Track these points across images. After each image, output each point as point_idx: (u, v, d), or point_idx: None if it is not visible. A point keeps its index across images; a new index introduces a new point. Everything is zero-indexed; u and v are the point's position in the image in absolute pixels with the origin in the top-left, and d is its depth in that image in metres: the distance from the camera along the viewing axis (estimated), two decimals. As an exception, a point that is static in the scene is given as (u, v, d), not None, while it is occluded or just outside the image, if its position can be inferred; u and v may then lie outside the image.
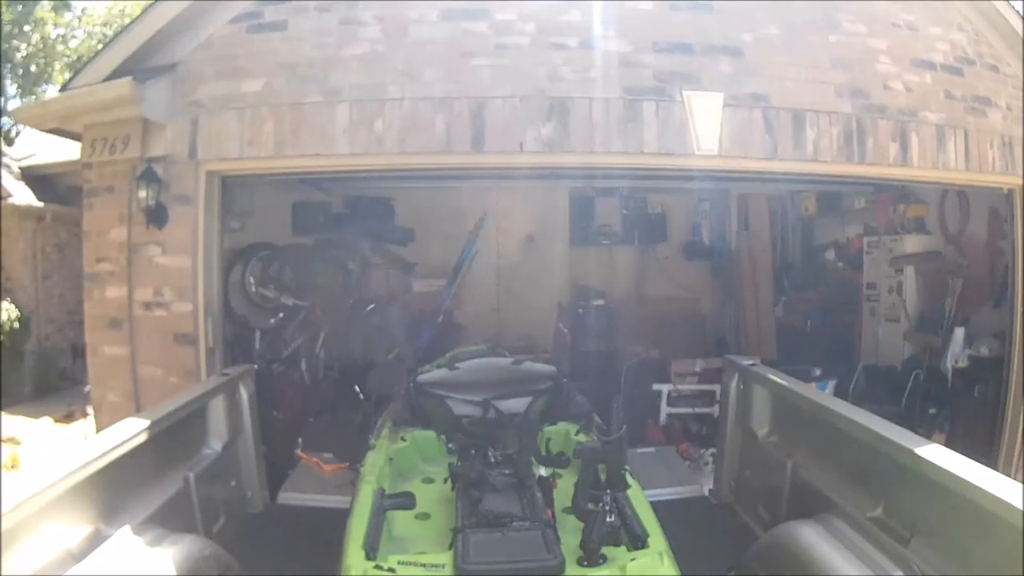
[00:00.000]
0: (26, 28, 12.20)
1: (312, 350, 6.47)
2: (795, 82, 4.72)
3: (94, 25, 13.63)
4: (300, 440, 4.69)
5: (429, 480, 3.10)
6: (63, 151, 8.55)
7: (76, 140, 5.24)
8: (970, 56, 5.17)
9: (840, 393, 5.93)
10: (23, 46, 12.29)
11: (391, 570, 2.09)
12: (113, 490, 2.41)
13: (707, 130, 4.54)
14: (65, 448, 6.85)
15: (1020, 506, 1.76)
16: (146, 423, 2.67)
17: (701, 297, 8.59)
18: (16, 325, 9.31)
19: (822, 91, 4.75)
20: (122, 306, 4.79)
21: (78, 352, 8.89)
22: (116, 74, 4.66)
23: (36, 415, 8.23)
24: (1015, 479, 1.97)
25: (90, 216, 4.96)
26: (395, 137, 4.49)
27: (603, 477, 2.39)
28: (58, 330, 10.22)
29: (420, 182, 7.25)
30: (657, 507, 2.55)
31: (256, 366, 4.45)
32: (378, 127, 4.50)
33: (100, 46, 10.12)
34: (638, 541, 2.27)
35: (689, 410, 5.70)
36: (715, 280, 8.61)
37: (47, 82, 12.96)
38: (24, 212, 9.58)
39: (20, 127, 11.60)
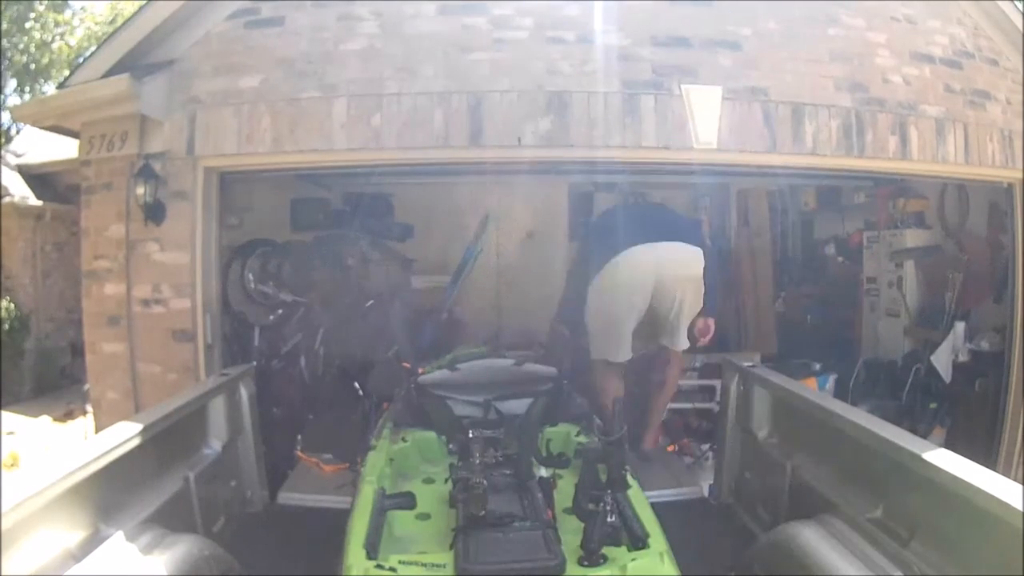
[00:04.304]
0: (27, 25, 12.16)
1: (311, 347, 6.46)
2: (794, 76, 4.71)
3: (95, 23, 13.59)
4: (300, 440, 4.69)
5: (430, 480, 3.10)
6: (61, 148, 8.52)
7: (74, 137, 5.22)
8: (969, 50, 5.15)
9: (841, 388, 5.94)
10: (22, 43, 12.25)
11: (392, 570, 2.09)
12: (113, 490, 2.41)
13: (706, 124, 4.54)
14: (64, 447, 6.86)
15: (1020, 506, 1.76)
16: (146, 423, 2.67)
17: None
18: (16, 324, 9.31)
19: (821, 84, 4.75)
20: (120, 303, 4.78)
21: (77, 350, 8.88)
22: (113, 71, 4.65)
23: (35, 414, 8.24)
24: (1015, 479, 1.97)
25: (88, 213, 4.95)
26: (393, 132, 4.49)
27: (604, 477, 2.39)
28: (57, 328, 10.20)
29: (419, 178, 7.23)
30: (657, 508, 2.55)
31: (255, 363, 4.45)
32: (376, 122, 4.49)
33: (99, 43, 10.08)
34: (639, 541, 2.26)
35: (689, 405, 5.70)
36: (714, 275, 8.57)
37: (46, 79, 12.93)
38: (23, 210, 9.57)
39: (19, 125, 11.57)
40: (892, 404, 5.85)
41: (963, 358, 5.87)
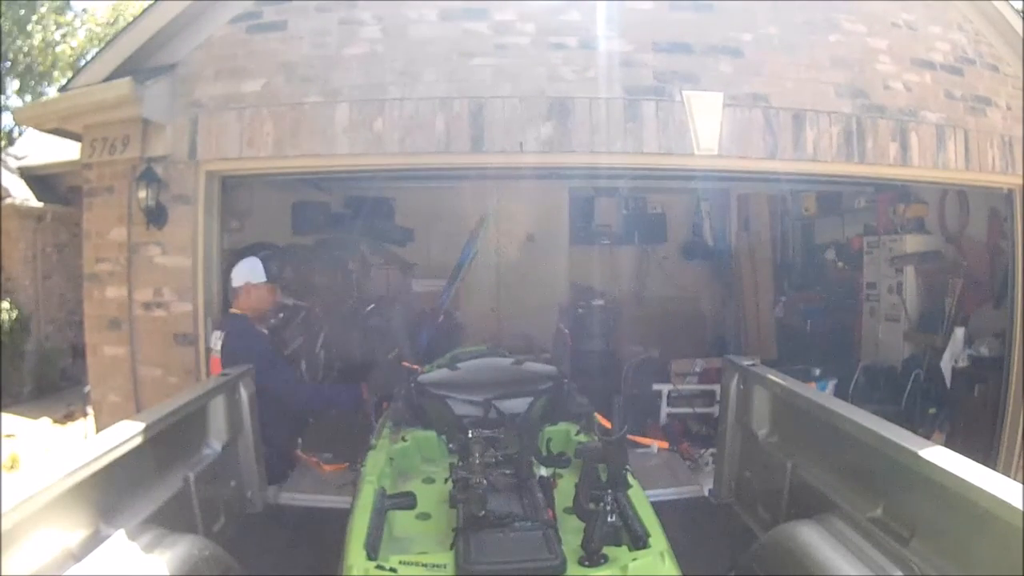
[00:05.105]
0: (28, 27, 12.20)
1: (312, 350, 6.47)
2: (795, 82, 4.72)
3: (96, 25, 13.64)
4: (300, 440, 4.67)
5: (430, 480, 3.10)
6: (63, 150, 8.55)
7: (76, 140, 5.24)
8: (970, 56, 5.17)
9: (840, 393, 5.94)
10: (24, 46, 12.29)
11: (392, 570, 2.09)
12: (113, 490, 2.40)
13: (707, 130, 4.55)
14: (63, 449, 6.86)
15: (1020, 506, 1.76)
16: (146, 423, 2.66)
17: (701, 297, 8.59)
18: (16, 325, 9.31)
19: (822, 91, 4.76)
20: (122, 306, 4.79)
21: (78, 352, 8.89)
22: (116, 74, 4.67)
23: (35, 415, 8.24)
24: (1015, 479, 1.97)
25: (90, 216, 4.97)
26: (395, 137, 4.50)
27: (604, 477, 2.39)
28: (58, 330, 10.23)
29: (420, 182, 7.26)
30: (657, 507, 2.55)
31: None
32: (378, 127, 4.50)
33: (101, 46, 10.12)
34: (639, 541, 2.27)
35: (689, 410, 5.70)
36: (715, 280, 8.61)
37: (48, 81, 12.97)
38: (24, 212, 9.60)
39: (21, 127, 11.60)
40: (891, 409, 5.85)
41: (962, 363, 5.88)
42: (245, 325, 4.15)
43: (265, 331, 4.29)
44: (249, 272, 4.16)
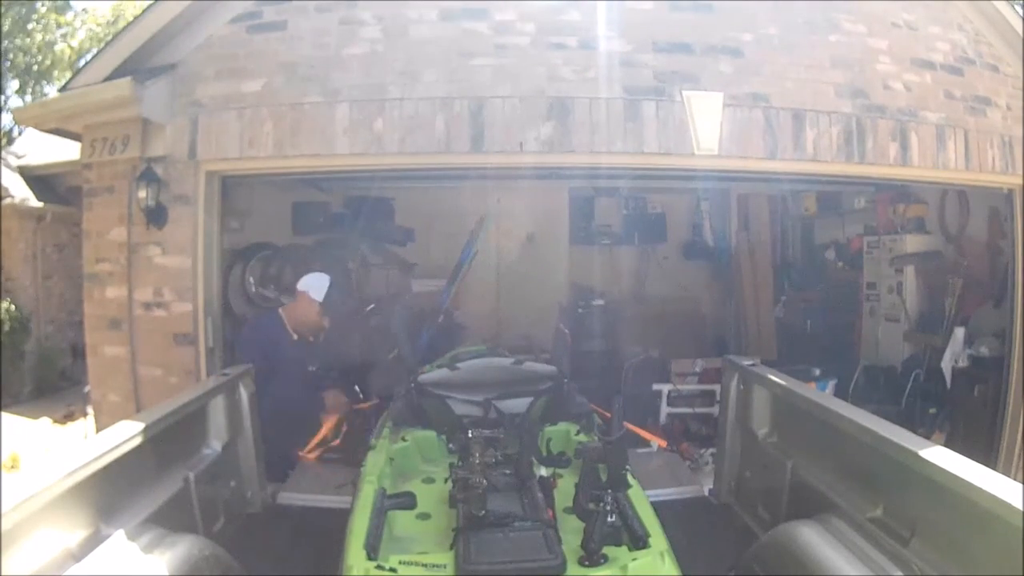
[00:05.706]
0: (29, 26, 12.21)
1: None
2: (795, 82, 4.72)
3: (96, 25, 13.65)
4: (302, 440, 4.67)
5: (430, 480, 3.10)
6: (63, 150, 8.55)
7: (76, 140, 5.24)
8: (970, 56, 5.17)
9: (840, 393, 5.94)
10: (24, 45, 12.29)
11: (392, 570, 2.09)
12: (113, 490, 2.40)
13: (707, 130, 4.55)
14: (63, 449, 6.86)
15: (1020, 506, 1.76)
16: (146, 423, 2.66)
17: (701, 297, 8.59)
18: (16, 325, 9.31)
19: (822, 91, 4.76)
20: (122, 306, 4.79)
21: (78, 352, 8.89)
22: (116, 74, 4.67)
23: (35, 415, 8.23)
24: (1015, 479, 1.97)
25: (90, 216, 4.97)
26: (395, 137, 4.50)
27: (604, 477, 2.39)
28: (58, 330, 10.22)
29: (420, 182, 7.25)
30: (657, 507, 2.55)
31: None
32: (378, 127, 4.50)
33: (101, 46, 10.12)
34: (639, 541, 2.27)
35: (689, 410, 5.70)
36: (715, 280, 8.61)
37: (48, 81, 12.97)
38: (24, 212, 9.59)
39: (20, 127, 11.60)
40: (891, 409, 5.85)
41: (963, 363, 5.88)
42: (275, 321, 4.47)
43: (295, 336, 4.46)
44: (309, 284, 4.47)
